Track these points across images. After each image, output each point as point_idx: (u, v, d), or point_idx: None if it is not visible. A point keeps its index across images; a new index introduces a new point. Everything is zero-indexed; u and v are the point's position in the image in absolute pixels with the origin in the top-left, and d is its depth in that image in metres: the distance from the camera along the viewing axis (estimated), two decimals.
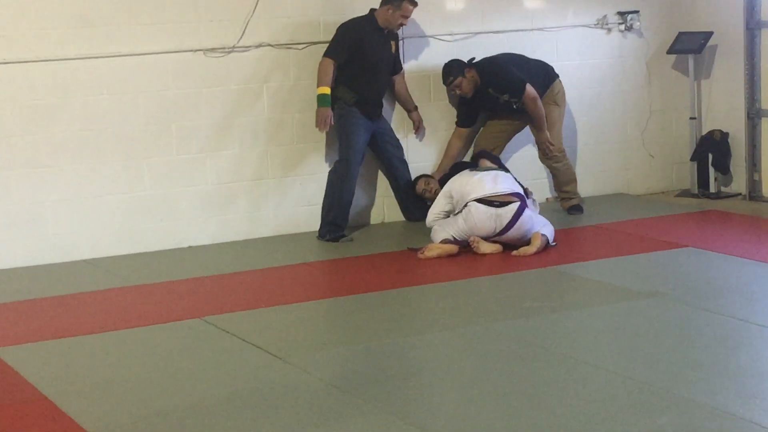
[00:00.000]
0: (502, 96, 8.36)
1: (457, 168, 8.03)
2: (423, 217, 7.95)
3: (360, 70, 8.05)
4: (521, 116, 8.56)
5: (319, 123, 8.01)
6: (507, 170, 7.90)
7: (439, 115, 8.70)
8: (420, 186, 8.33)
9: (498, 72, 8.37)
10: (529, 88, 8.29)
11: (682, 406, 4.60)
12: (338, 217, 8.08)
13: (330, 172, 8.17)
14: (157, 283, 7.10)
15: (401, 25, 8.13)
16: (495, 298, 6.54)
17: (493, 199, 7.41)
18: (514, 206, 7.39)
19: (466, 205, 7.44)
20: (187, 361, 5.54)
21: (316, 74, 8.02)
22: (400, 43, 8.43)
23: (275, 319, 6.22)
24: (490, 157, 8.08)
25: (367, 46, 8.04)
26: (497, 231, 7.39)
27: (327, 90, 7.99)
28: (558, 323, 5.92)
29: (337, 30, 8.07)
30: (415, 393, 4.93)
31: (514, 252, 7.37)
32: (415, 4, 8.06)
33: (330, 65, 7.99)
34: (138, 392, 5.10)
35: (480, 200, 7.41)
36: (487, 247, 7.41)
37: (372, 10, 8.11)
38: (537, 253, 7.33)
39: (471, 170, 7.75)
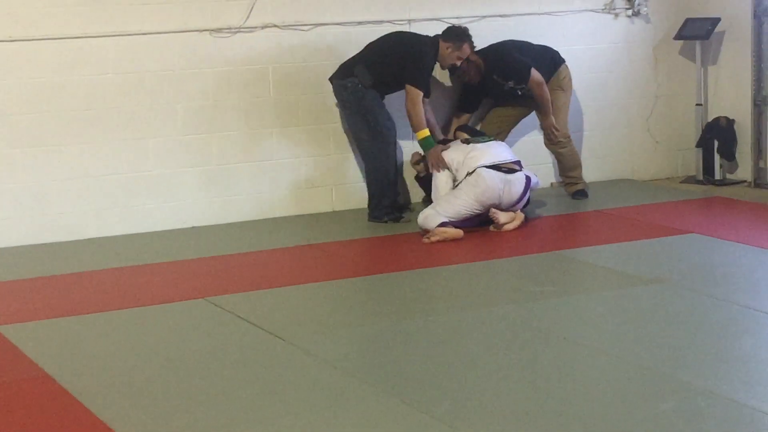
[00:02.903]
0: (506, 83, 8.34)
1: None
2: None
3: (395, 78, 7.86)
4: (526, 102, 8.54)
5: (435, 166, 7.71)
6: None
7: (443, 99, 8.67)
8: (414, 158, 8.19)
9: (502, 58, 8.34)
10: (535, 73, 8.27)
11: (685, 392, 4.60)
12: (392, 196, 7.98)
13: (367, 155, 8.00)
14: (161, 263, 7.09)
15: (452, 65, 8.04)
16: (498, 282, 6.53)
17: (500, 165, 7.57)
18: (521, 175, 7.62)
19: (473, 172, 7.48)
20: (191, 341, 5.55)
21: (411, 107, 7.73)
22: (406, 26, 8.42)
23: (279, 301, 6.22)
24: (468, 131, 8.10)
25: None
26: (503, 197, 7.53)
27: (428, 132, 7.74)
28: (561, 308, 5.92)
29: (424, 57, 7.86)
30: (418, 376, 4.93)
31: (492, 227, 7.55)
32: (473, 48, 8.02)
33: (420, 99, 7.75)
34: (140, 371, 5.11)
35: (487, 167, 7.51)
36: (505, 217, 7.56)
37: (437, 37, 7.97)
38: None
39: (464, 142, 7.78)
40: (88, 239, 7.73)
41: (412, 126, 7.86)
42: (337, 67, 8.10)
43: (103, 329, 5.78)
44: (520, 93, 8.39)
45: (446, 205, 7.50)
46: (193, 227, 8.04)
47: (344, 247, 7.46)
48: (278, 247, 7.43)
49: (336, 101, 8.17)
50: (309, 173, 8.36)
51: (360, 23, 8.38)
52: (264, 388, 4.84)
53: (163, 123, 7.91)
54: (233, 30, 8.03)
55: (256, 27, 8.09)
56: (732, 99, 9.24)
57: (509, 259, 6.94)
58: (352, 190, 8.47)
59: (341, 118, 8.27)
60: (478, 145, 7.70)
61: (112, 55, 7.73)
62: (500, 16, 8.78)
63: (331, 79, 8.05)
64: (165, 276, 6.83)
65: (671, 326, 5.54)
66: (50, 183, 7.67)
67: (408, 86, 7.79)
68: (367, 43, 8.10)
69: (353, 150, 8.35)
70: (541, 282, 6.49)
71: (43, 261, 7.22)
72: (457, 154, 7.69)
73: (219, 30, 7.99)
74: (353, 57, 8.02)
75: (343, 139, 8.38)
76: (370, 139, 7.93)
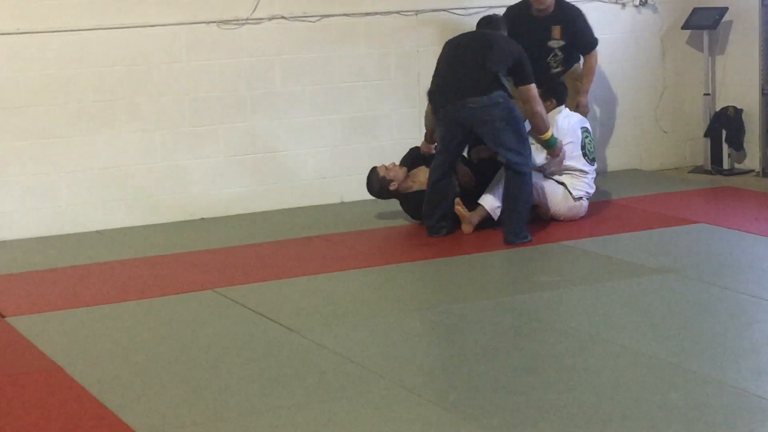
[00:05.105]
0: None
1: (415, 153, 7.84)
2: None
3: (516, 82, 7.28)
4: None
5: (560, 152, 7.38)
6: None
7: None
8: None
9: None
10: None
11: (693, 382, 4.61)
12: None
13: (516, 171, 7.02)
14: (169, 255, 7.11)
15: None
16: (506, 273, 6.55)
17: None
18: None
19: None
20: (200, 332, 5.56)
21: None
22: (413, 17, 8.41)
23: (288, 292, 6.23)
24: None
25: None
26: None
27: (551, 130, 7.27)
28: (569, 298, 5.93)
29: (520, 50, 7.18)
30: (427, 366, 4.94)
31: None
32: None
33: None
34: (149, 362, 5.13)
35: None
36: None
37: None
38: None
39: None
40: (97, 231, 7.75)
41: (541, 127, 7.21)
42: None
43: (112, 320, 5.80)
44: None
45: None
46: (202, 219, 8.06)
47: (353, 238, 7.46)
48: (287, 239, 7.44)
49: (461, 127, 7.12)
50: (317, 164, 8.37)
51: (367, 14, 8.38)
52: (274, 379, 4.85)
53: (170, 115, 7.92)
54: (241, 22, 8.03)
55: (263, 18, 8.09)
56: (740, 88, 9.22)
57: (517, 250, 6.94)
58: (361, 181, 8.46)
59: (449, 137, 7.18)
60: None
61: (119, 47, 7.74)
62: (507, 6, 8.75)
63: (454, 102, 7.05)
64: (174, 267, 6.84)
65: (679, 316, 5.55)
66: (58, 175, 7.68)
67: (529, 86, 7.13)
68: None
69: (361, 141, 8.35)
70: (549, 272, 6.49)
71: (52, 253, 7.24)
72: (573, 159, 7.55)
73: (227, 22, 8.00)
74: (475, 71, 7.06)
75: (352, 130, 8.39)
76: (519, 152, 7.05)
